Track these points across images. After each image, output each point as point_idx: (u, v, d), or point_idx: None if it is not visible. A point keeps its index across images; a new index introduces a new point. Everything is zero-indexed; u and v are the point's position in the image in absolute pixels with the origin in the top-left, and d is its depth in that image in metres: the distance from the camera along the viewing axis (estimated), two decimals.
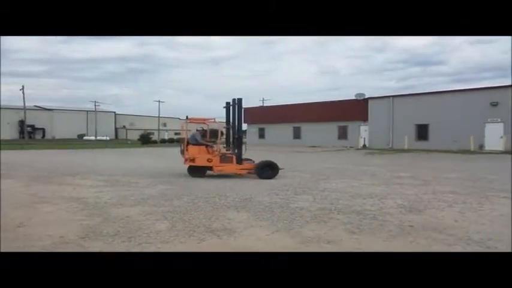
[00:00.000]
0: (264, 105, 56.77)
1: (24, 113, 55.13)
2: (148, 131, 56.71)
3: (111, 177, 11.06)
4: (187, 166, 11.44)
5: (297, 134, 39.09)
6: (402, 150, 27.06)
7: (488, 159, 18.59)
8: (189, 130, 11.96)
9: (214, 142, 12.12)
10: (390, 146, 30.37)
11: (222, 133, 12.45)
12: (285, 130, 39.53)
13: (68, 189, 8.67)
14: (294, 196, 7.74)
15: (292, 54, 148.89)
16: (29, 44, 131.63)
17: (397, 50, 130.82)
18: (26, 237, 4.66)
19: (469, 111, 26.63)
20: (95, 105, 72.02)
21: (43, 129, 70.55)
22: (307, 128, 38.05)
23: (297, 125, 39.00)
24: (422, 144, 28.36)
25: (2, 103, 62.15)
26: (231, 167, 11.36)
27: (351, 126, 34.80)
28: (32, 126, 66.94)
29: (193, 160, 11.23)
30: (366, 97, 33.66)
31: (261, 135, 42.55)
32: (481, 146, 25.82)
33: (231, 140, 12.23)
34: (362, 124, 33.70)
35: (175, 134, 71.58)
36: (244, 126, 47.86)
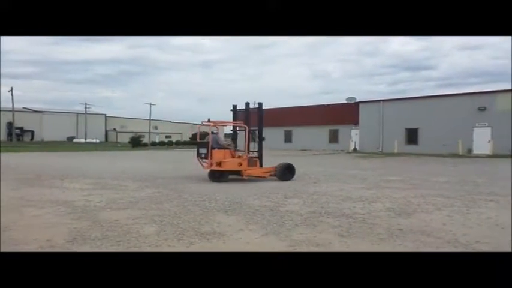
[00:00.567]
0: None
1: (13, 115, 54.48)
2: (139, 134, 56.34)
3: (100, 180, 10.96)
4: (205, 170, 11.10)
5: (288, 138, 39.20)
6: (392, 154, 27.27)
7: (476, 163, 18.82)
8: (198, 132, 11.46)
9: (236, 146, 11.89)
10: (380, 149, 30.60)
11: (250, 137, 12.02)
12: (276, 133, 39.60)
13: (56, 192, 8.57)
14: (284, 199, 7.74)
15: (283, 57, 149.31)
16: (19, 45, 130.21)
17: (388, 55, 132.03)
18: (11, 241, 4.58)
19: (457, 115, 26.98)
20: (85, 108, 71.47)
21: (32, 132, 69.67)
22: (298, 132, 38.20)
23: (288, 128, 39.12)
24: (412, 148, 28.62)
25: None
26: (257, 171, 11.25)
27: (342, 129, 35.02)
28: (21, 129, 66.10)
29: (219, 164, 10.75)
30: (357, 101, 33.92)
31: (252, 138, 42.48)
32: (469, 150, 26.14)
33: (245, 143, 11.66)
34: (353, 128, 33.93)
35: (166, 137, 71.28)
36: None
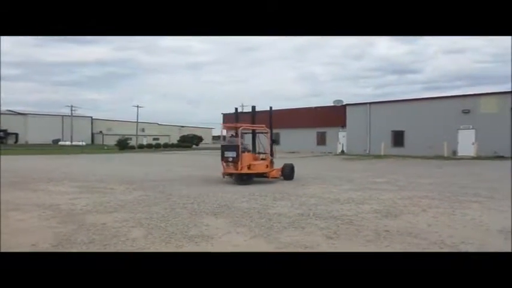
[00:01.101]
0: (244, 111, 56.80)
1: None
2: (126, 136, 55.79)
3: (86, 183, 10.83)
4: (226, 173, 11.15)
5: (276, 140, 39.22)
6: (379, 156, 27.53)
7: (461, 165, 19.12)
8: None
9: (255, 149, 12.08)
10: (368, 152, 30.87)
11: (273, 140, 12.47)
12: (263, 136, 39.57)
13: (42, 196, 8.45)
14: (273, 202, 7.76)
15: (271, 60, 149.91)
16: (2, 46, 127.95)
17: (374, 58, 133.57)
18: None
19: (442, 118, 27.39)
20: (71, 110, 70.54)
21: (16, 134, 68.50)
22: (286, 134, 38.28)
23: (276, 130, 39.10)
24: (398, 150, 28.95)
25: None
26: (274, 172, 11.63)
27: (330, 132, 35.23)
28: (5, 131, 64.95)
29: (249, 167, 10.82)
30: (344, 103, 34.17)
31: None
32: (454, 152, 26.54)
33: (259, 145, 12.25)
34: (340, 130, 34.16)
35: (154, 139, 70.76)
36: (224, 132, 47.74)
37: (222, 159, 11.20)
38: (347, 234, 5.18)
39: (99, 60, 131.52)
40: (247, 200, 7.98)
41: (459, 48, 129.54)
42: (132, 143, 53.68)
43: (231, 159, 10.91)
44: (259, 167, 11.14)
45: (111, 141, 62.22)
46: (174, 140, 65.63)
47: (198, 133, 73.45)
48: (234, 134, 11.76)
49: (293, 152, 34.13)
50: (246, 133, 12.26)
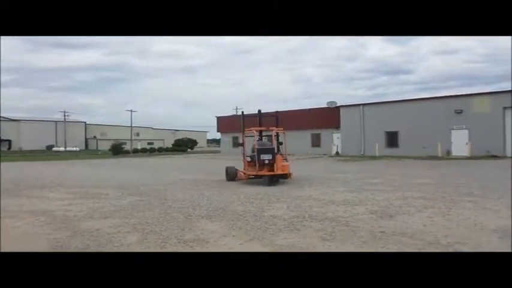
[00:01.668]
0: (238, 113, 56.83)
1: None
2: (120, 141, 55.60)
3: (80, 189, 10.76)
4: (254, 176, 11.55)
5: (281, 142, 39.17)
6: (374, 157, 27.63)
7: (454, 165, 19.24)
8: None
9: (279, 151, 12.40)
10: (362, 153, 30.98)
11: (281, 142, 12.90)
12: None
13: (36, 202, 8.38)
14: (268, 204, 7.75)
15: (265, 62, 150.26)
16: None
17: (367, 60, 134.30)
18: None
19: (435, 118, 27.57)
20: (64, 115, 70.21)
21: (9, 141, 68.02)
22: (280, 136, 38.28)
23: (270, 133, 39.12)
24: (392, 151, 29.08)
25: None
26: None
27: (324, 133, 35.30)
28: None
29: (281, 169, 11.37)
30: (338, 105, 34.28)
31: (235, 144, 42.44)
32: (448, 152, 26.71)
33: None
34: (335, 132, 34.25)
35: (148, 143, 70.52)
36: (218, 135, 47.75)
37: (258, 161, 11.33)
38: (342, 235, 5.18)
39: (92, 65, 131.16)
40: (242, 203, 7.97)
41: (451, 49, 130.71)
42: (127, 147, 53.47)
43: (267, 161, 11.34)
44: (286, 168, 11.56)
45: (105, 146, 61.98)
46: (169, 144, 65.44)
47: (192, 137, 73.38)
48: (260, 137, 12.40)
49: (288, 154, 34.14)
50: (267, 135, 12.90)
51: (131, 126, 69.00)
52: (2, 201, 8.67)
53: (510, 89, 24.29)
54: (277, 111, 14.18)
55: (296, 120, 36.41)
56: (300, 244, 4.76)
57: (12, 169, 20.94)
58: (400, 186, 10.45)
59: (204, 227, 5.79)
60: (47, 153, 54.50)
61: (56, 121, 74.59)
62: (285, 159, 12.18)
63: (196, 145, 67.75)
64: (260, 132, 12.88)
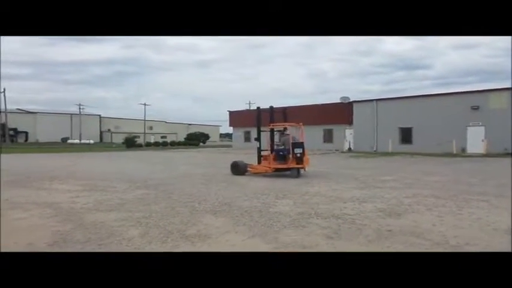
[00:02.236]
0: (250, 108, 56.73)
1: (6, 115, 54.00)
2: (133, 134, 56.06)
3: (89, 181, 10.82)
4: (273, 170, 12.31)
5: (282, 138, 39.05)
6: (386, 154, 27.26)
7: (469, 163, 18.83)
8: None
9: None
10: (375, 149, 30.59)
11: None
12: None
13: (44, 194, 8.44)
14: (275, 200, 7.65)
15: (279, 57, 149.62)
16: (13, 46, 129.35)
17: (383, 54, 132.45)
18: None
19: (451, 114, 27.00)
20: (80, 108, 71.05)
21: (26, 133, 69.20)
22: (292, 131, 38.11)
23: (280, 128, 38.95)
24: (406, 148, 28.62)
25: None
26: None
27: (337, 129, 34.99)
28: (15, 130, 65.62)
29: (306, 162, 12.19)
30: (351, 100, 33.88)
31: (247, 138, 42.45)
32: (463, 149, 26.18)
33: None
34: (347, 127, 33.90)
35: (162, 137, 71.01)
36: (231, 130, 47.75)
37: (293, 155, 11.94)
38: (348, 234, 5.05)
39: (108, 59, 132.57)
40: (249, 198, 7.88)
41: (470, 43, 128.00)
42: (140, 141, 53.92)
43: (299, 154, 11.93)
44: (308, 161, 12.29)
45: (120, 139, 62.66)
46: (182, 138, 65.81)
47: (206, 131, 73.62)
48: (284, 132, 13.01)
49: None
50: (278, 131, 13.47)
51: (144, 120, 69.49)
52: (11, 191, 8.74)
53: None
54: (285, 107, 14.67)
55: (308, 116, 36.13)
56: (303, 242, 4.66)
57: (26, 161, 21.25)
58: (411, 184, 10.23)
59: (208, 222, 5.73)
60: (62, 145, 55.31)
61: (71, 114, 75.53)
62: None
63: (208, 139, 67.95)
64: (272, 128, 13.49)
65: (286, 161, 12.13)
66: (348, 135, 33.75)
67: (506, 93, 25.22)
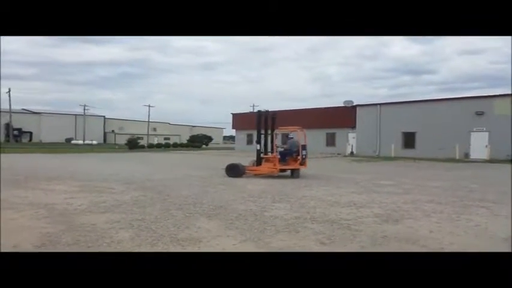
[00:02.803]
0: (254, 111, 56.72)
1: (10, 116, 54.34)
2: (136, 136, 56.13)
3: (87, 182, 10.78)
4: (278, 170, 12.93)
5: (284, 140, 38.96)
6: (389, 158, 27.09)
7: (472, 168, 18.65)
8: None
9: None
10: (377, 153, 30.42)
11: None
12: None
13: (40, 195, 8.39)
14: (271, 204, 7.56)
15: (284, 60, 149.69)
16: (18, 46, 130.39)
17: (388, 59, 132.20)
18: None
19: (455, 120, 26.81)
20: (84, 109, 71.31)
21: (30, 133, 69.57)
22: (295, 135, 38.01)
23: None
24: (409, 152, 28.43)
25: None
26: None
27: (339, 133, 34.84)
28: (19, 130, 65.99)
29: (306, 163, 13.19)
30: (354, 104, 33.74)
31: (249, 141, 42.35)
32: (466, 155, 25.97)
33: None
34: (350, 131, 33.74)
35: (165, 138, 71.11)
36: (233, 132, 47.73)
37: (280, 157, 12.90)
38: (342, 239, 4.96)
39: (114, 61, 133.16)
40: (245, 201, 7.80)
41: (477, 49, 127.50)
42: (143, 142, 54.00)
43: (304, 156, 12.85)
44: (307, 162, 13.13)
45: (123, 140, 62.76)
46: (185, 139, 65.86)
47: (209, 133, 73.65)
48: (289, 135, 14.02)
49: None
50: (291, 137, 14.08)
51: (148, 121, 69.65)
52: (6, 192, 8.69)
53: None
54: (274, 112, 15.47)
55: (311, 119, 36.07)
56: (295, 247, 4.57)
57: (28, 160, 21.29)
58: (411, 189, 10.11)
59: (201, 225, 5.65)
60: (66, 145, 55.49)
61: (75, 114, 75.83)
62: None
63: (211, 141, 67.92)
64: (272, 130, 14.19)
65: (291, 162, 12.88)
66: (350, 139, 33.59)
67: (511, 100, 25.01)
